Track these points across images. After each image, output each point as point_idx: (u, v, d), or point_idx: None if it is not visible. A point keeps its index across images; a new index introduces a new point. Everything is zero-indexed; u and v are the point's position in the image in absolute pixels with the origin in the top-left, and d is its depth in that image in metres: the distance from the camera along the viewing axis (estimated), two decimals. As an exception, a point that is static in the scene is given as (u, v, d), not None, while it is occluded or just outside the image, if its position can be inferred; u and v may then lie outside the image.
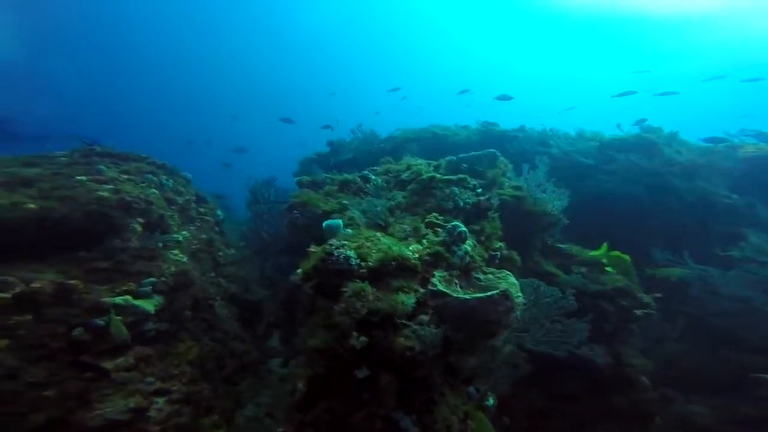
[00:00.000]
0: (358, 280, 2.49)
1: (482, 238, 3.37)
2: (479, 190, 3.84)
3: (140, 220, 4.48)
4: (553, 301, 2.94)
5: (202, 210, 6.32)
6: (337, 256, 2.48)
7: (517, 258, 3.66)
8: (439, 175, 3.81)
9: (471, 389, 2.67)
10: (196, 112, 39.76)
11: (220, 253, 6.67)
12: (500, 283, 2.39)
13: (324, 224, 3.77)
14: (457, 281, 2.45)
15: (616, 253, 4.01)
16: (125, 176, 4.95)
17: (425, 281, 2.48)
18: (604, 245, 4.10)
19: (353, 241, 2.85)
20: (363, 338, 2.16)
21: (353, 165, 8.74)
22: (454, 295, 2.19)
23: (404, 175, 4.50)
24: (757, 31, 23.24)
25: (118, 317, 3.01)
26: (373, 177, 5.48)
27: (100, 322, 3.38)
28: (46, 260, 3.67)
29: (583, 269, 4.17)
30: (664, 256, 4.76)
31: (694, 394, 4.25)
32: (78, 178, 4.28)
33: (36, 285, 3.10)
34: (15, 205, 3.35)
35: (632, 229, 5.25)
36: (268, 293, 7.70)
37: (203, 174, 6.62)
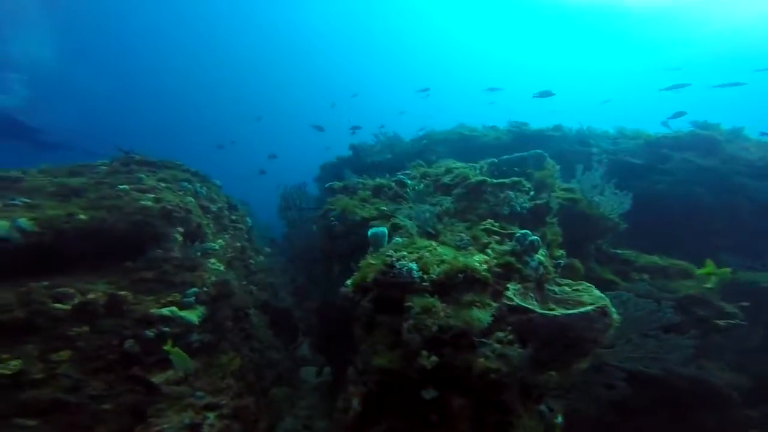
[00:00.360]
0: (422, 294, 2.40)
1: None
2: (532, 194, 3.69)
3: (180, 229, 4.55)
4: (645, 315, 2.75)
5: (234, 218, 6.40)
6: (400, 268, 2.40)
7: (580, 266, 3.48)
8: (490, 179, 3.69)
9: (543, 408, 2.53)
10: (220, 117, 40.89)
11: (251, 261, 6.73)
12: (582, 296, 2.25)
13: (369, 232, 3.70)
14: (532, 294, 2.33)
15: (725, 270, 3.61)
16: (163, 184, 5.05)
17: (497, 295, 2.36)
18: (709, 261, 3.68)
19: (410, 252, 2.76)
20: (434, 358, 2.06)
21: (377, 169, 8.69)
22: (540, 311, 2.06)
23: (446, 179, 4.40)
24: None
25: (176, 348, 3.01)
26: (410, 182, 5.41)
27: (149, 334, 3.43)
28: (96, 271, 3.76)
29: (645, 276, 3.94)
30: (739, 261, 4.43)
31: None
32: (121, 187, 4.39)
33: (91, 296, 3.16)
34: (69, 216, 3.44)
35: (693, 232, 4.94)
36: (295, 300, 7.73)
37: (224, 180, 6.63)
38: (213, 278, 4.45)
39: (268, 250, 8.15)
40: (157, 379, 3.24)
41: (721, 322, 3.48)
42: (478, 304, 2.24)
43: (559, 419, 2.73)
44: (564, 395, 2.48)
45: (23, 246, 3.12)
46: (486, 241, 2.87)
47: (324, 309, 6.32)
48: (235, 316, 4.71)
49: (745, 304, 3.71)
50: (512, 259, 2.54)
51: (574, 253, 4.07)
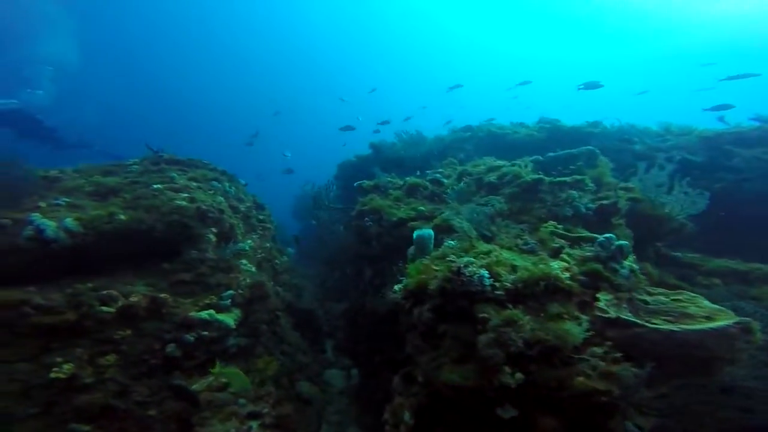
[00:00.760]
0: (494, 304, 2.28)
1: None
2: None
3: (214, 229, 4.55)
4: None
5: (261, 217, 6.41)
6: (469, 275, 2.29)
7: (654, 271, 3.29)
8: (547, 177, 3.53)
9: (630, 425, 2.38)
10: (221, 117, 41.38)
11: (277, 261, 6.74)
12: (688, 308, 2.07)
13: (414, 234, 3.59)
14: (625, 305, 2.18)
15: None
16: (194, 184, 5.06)
17: (584, 306, 2.23)
18: None
19: (474, 256, 2.64)
20: (519, 375, 1.95)
21: (400, 168, 8.58)
22: (650, 326, 1.92)
23: (491, 178, 4.25)
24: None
25: (234, 369, 3.00)
26: (446, 180, 5.28)
27: (189, 338, 3.43)
28: (134, 271, 3.78)
29: (716, 280, 3.70)
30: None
31: None
32: (155, 186, 4.41)
33: (134, 299, 3.17)
34: (110, 216, 3.47)
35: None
36: (317, 301, 7.70)
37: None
38: (247, 280, 4.44)
39: (290, 250, 8.17)
40: (198, 385, 3.24)
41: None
42: (565, 315, 2.11)
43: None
44: (674, 415, 2.31)
45: (68, 246, 3.15)
46: (556, 245, 2.73)
47: (353, 312, 6.27)
48: (269, 319, 4.69)
49: None
50: (599, 266, 2.39)
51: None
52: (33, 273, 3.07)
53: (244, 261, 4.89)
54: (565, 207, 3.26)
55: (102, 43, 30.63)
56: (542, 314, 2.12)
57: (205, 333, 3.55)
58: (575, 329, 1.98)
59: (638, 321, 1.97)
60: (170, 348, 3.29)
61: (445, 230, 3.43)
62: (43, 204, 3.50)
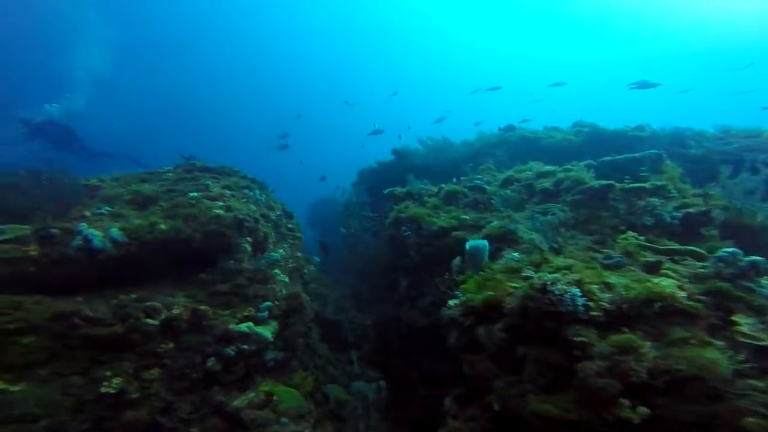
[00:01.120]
0: (587, 326, 2.08)
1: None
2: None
3: (249, 239, 4.54)
4: None
5: (290, 226, 6.40)
6: (558, 294, 2.11)
7: None
8: (618, 184, 3.31)
9: None
10: (222, 118, 42.22)
11: (305, 270, 6.70)
12: None
13: (467, 245, 3.42)
14: None
15: None
16: (228, 192, 5.10)
17: (712, 330, 2.01)
18: None
19: (554, 271, 2.45)
20: (644, 409, 1.74)
21: (425, 174, 8.43)
22: None
23: (545, 184, 4.04)
24: None
25: (285, 388, 2.93)
26: (488, 187, 5.11)
27: (230, 352, 3.39)
28: (173, 281, 3.79)
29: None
30: None
31: None
32: (192, 194, 4.45)
33: (176, 311, 3.16)
34: (152, 226, 3.49)
35: None
36: (343, 311, 7.61)
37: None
38: (284, 291, 4.40)
39: (316, 258, 8.14)
40: (239, 402, 3.18)
41: None
42: (693, 341, 1.89)
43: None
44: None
45: (114, 256, 3.18)
46: (650, 259, 2.51)
47: (384, 323, 6.13)
48: (304, 331, 4.62)
49: None
50: (725, 285, 2.17)
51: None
52: (79, 283, 3.11)
53: (277, 271, 4.87)
54: (644, 216, 3.03)
55: (127, 49, 32.14)
56: (664, 340, 1.92)
57: (245, 347, 3.50)
58: (718, 357, 1.77)
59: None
60: (211, 362, 3.25)
61: (503, 240, 3.25)
62: (87, 213, 3.57)
